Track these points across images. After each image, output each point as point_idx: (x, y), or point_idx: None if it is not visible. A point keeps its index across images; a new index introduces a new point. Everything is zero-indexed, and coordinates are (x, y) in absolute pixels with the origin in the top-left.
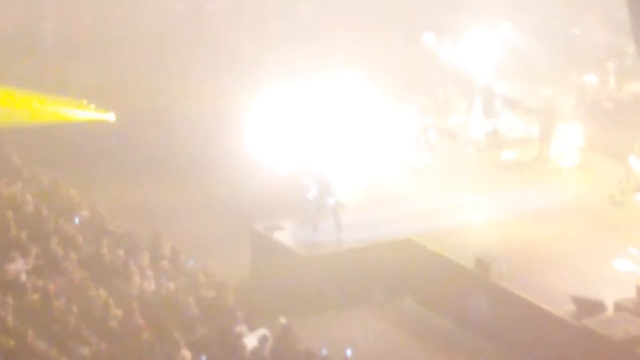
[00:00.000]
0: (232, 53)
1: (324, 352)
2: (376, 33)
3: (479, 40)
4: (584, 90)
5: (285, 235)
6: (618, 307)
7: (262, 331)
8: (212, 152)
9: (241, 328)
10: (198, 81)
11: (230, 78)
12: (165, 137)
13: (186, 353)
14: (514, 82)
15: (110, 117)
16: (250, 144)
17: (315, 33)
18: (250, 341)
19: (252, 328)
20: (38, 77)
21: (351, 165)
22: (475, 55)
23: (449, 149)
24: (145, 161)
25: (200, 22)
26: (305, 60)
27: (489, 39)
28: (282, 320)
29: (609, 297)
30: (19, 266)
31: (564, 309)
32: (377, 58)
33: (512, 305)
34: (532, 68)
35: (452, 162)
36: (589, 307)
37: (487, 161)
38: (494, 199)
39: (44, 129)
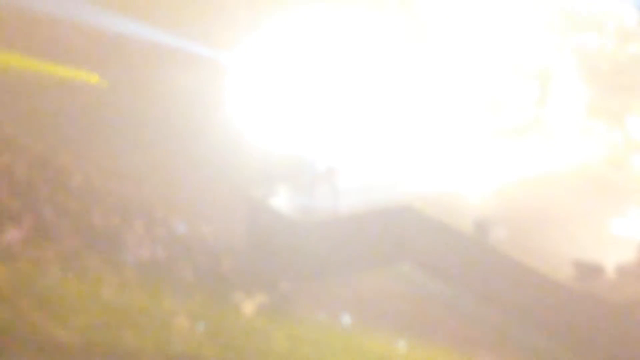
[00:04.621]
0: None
1: (322, 317)
2: None
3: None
4: (582, 52)
5: (282, 201)
6: (619, 270)
7: (260, 298)
8: (207, 117)
9: (239, 295)
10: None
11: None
12: (159, 102)
13: (183, 320)
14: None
15: (94, 78)
16: (247, 108)
17: None
18: (248, 307)
19: (250, 295)
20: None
21: (347, 129)
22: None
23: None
24: (139, 127)
25: None
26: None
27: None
28: (281, 286)
29: (610, 261)
30: (11, 236)
31: (564, 273)
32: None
33: (512, 270)
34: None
35: (451, 127)
36: (590, 271)
37: (484, 126)
38: (493, 164)
39: (35, 95)
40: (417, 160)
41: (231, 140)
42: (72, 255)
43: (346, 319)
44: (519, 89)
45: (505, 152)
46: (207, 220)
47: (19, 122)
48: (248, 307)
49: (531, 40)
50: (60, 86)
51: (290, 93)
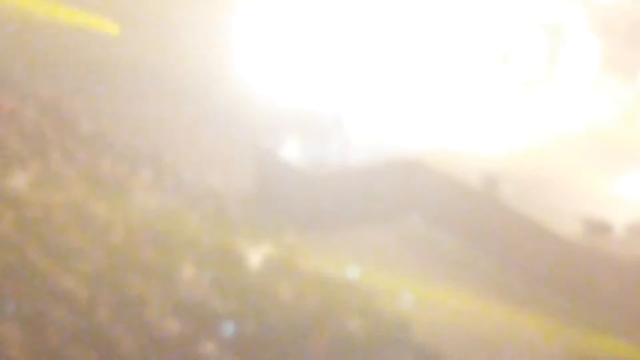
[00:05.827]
0: None
1: (328, 270)
2: None
3: None
4: (595, 6)
5: (291, 152)
6: (628, 228)
7: (266, 248)
8: (216, 64)
9: (245, 245)
10: None
11: None
12: (169, 49)
13: (189, 269)
14: None
15: (114, 29)
16: (257, 58)
17: None
18: (255, 258)
19: (256, 245)
20: None
21: (359, 82)
22: None
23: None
24: (149, 75)
25: None
26: None
27: None
28: (288, 237)
29: (619, 218)
30: (18, 180)
31: (571, 230)
32: None
33: (520, 226)
34: None
35: (460, 81)
36: (597, 227)
37: (495, 80)
38: (503, 119)
39: (45, 40)
40: (427, 115)
41: (241, 91)
42: (79, 202)
43: (353, 272)
44: (530, 43)
45: (515, 108)
46: (215, 170)
47: (28, 67)
48: (254, 257)
49: None
50: (71, 32)
51: (302, 43)
